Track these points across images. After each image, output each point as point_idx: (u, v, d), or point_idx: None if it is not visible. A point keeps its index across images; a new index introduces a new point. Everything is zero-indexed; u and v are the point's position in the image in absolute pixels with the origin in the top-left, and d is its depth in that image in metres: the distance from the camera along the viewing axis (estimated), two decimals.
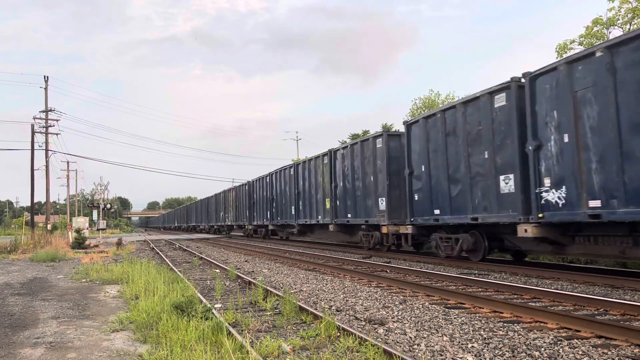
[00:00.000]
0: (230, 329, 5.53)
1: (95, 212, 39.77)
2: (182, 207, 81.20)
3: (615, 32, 17.45)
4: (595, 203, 8.80)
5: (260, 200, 30.67)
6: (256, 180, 32.03)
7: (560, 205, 9.57)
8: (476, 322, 6.27)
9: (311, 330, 5.81)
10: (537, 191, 10.08)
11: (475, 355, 4.86)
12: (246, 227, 34.67)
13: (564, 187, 9.52)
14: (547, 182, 9.88)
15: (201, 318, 6.15)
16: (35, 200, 33.85)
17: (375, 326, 6.20)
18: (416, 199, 14.30)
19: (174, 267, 13.40)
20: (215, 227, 47.37)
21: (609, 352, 4.81)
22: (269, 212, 28.65)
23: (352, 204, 17.89)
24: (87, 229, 39.13)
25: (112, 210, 74.27)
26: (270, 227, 29.03)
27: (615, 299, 7.12)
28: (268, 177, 29.07)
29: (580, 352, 4.84)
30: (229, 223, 39.93)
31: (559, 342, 5.19)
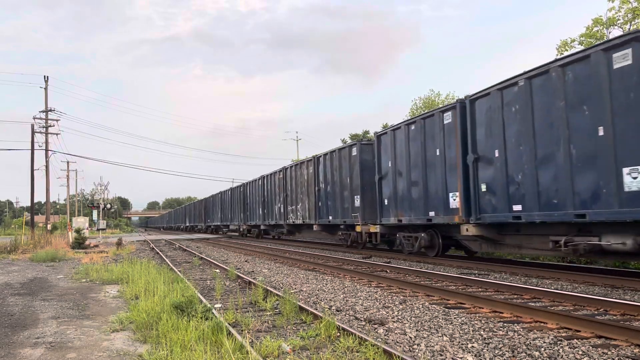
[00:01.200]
0: (230, 329, 5.53)
1: (95, 212, 39.76)
2: (198, 202, 59.95)
3: (616, 32, 17.47)
4: None
5: (411, 172, 14.15)
6: (395, 128, 15.02)
7: None
8: (476, 322, 6.27)
9: (311, 330, 5.81)
10: None
11: (475, 355, 4.86)
12: (356, 229, 17.61)
13: None
14: None
15: (201, 318, 6.15)
16: (35, 200, 33.87)
17: (375, 326, 6.20)
18: None
19: (174, 267, 13.40)
20: (262, 227, 31.04)
21: (609, 352, 4.81)
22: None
23: None
24: (87, 229, 39.17)
25: (112, 210, 74.25)
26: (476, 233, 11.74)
27: (615, 299, 7.12)
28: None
29: (580, 352, 4.84)
30: (298, 221, 23.26)
31: (559, 342, 5.19)
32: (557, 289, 8.12)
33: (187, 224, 67.18)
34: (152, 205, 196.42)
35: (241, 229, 36.35)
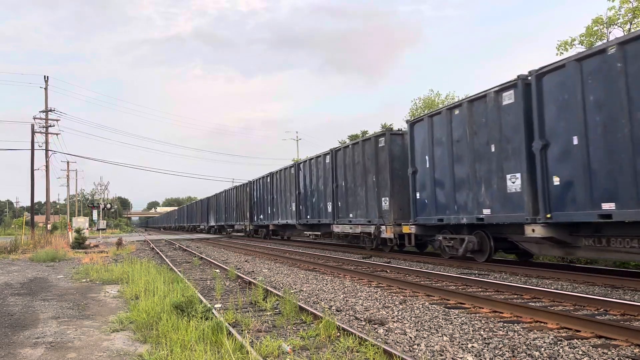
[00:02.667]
0: (230, 329, 5.53)
1: (95, 212, 39.73)
2: (234, 190, 38.28)
3: (616, 32, 17.49)
4: None
5: None
6: None
7: None
8: (476, 322, 6.27)
9: (311, 330, 5.81)
10: None
11: (475, 355, 4.86)
12: None
13: None
14: None
15: (201, 318, 6.15)
16: (35, 200, 33.88)
17: (375, 326, 6.20)
18: None
19: (174, 267, 13.39)
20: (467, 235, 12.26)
21: (609, 352, 4.81)
22: None
23: None
24: (87, 229, 39.14)
25: (112, 210, 74.17)
26: None
27: (615, 299, 7.12)
28: None
29: (580, 352, 4.84)
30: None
31: (559, 342, 5.19)
32: (557, 289, 8.12)
33: (212, 224, 46.91)
34: (152, 205, 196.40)
35: (375, 235, 16.27)
